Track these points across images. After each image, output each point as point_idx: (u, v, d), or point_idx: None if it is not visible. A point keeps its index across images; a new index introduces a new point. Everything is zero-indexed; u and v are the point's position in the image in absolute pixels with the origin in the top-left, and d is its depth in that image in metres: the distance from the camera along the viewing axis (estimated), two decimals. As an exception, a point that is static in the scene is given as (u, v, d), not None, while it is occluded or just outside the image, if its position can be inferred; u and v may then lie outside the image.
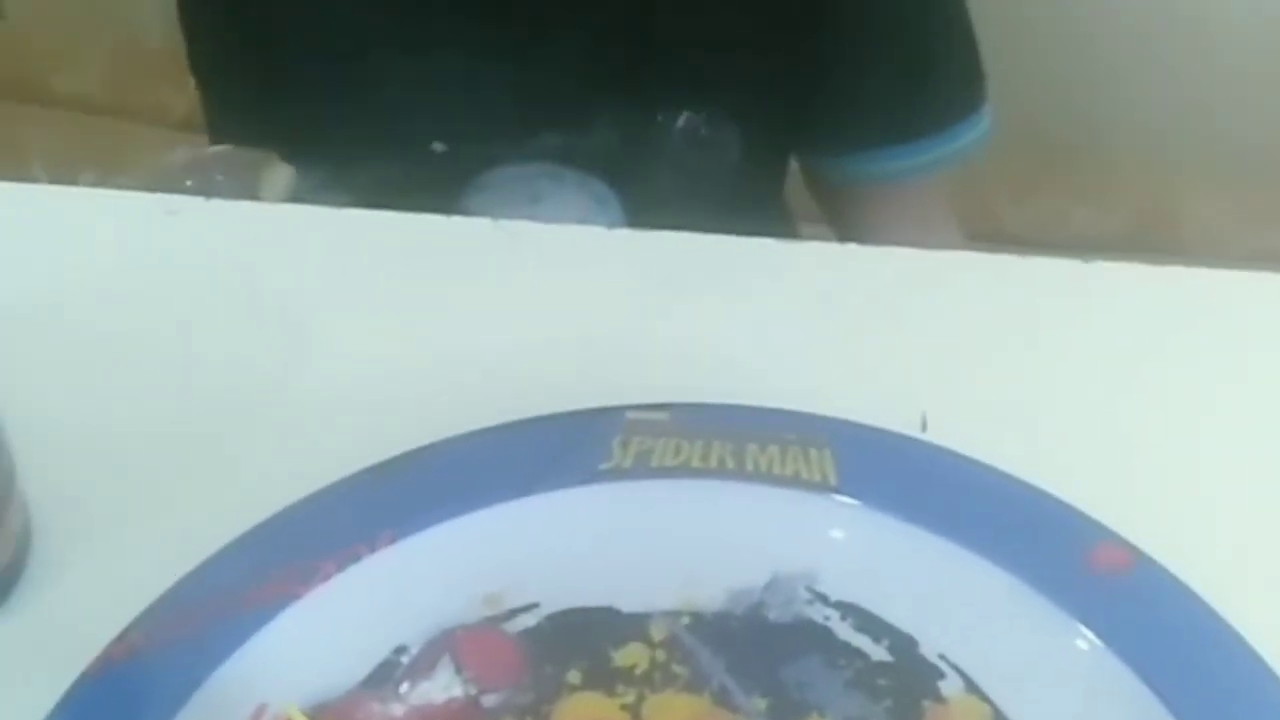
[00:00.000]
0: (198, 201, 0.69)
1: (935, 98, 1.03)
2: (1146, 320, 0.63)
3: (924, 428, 0.57)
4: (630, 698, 0.49)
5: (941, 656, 0.50)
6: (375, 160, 0.99)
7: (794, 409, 0.56)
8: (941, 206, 1.09)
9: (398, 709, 0.49)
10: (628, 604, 0.51)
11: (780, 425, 0.55)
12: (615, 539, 0.52)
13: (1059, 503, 0.52)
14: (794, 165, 1.11)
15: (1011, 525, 0.52)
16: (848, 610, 0.51)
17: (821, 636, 0.50)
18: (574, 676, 0.49)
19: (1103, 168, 1.45)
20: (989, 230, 1.33)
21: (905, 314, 0.64)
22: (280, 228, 0.69)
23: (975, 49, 1.03)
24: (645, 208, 1.00)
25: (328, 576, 0.51)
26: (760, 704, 0.49)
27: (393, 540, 0.52)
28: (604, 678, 0.49)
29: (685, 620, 0.51)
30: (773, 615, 0.51)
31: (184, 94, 1.24)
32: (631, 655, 0.50)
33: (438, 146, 0.99)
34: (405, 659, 0.50)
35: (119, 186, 0.71)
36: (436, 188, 0.99)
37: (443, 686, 0.49)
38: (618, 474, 0.54)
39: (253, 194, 0.85)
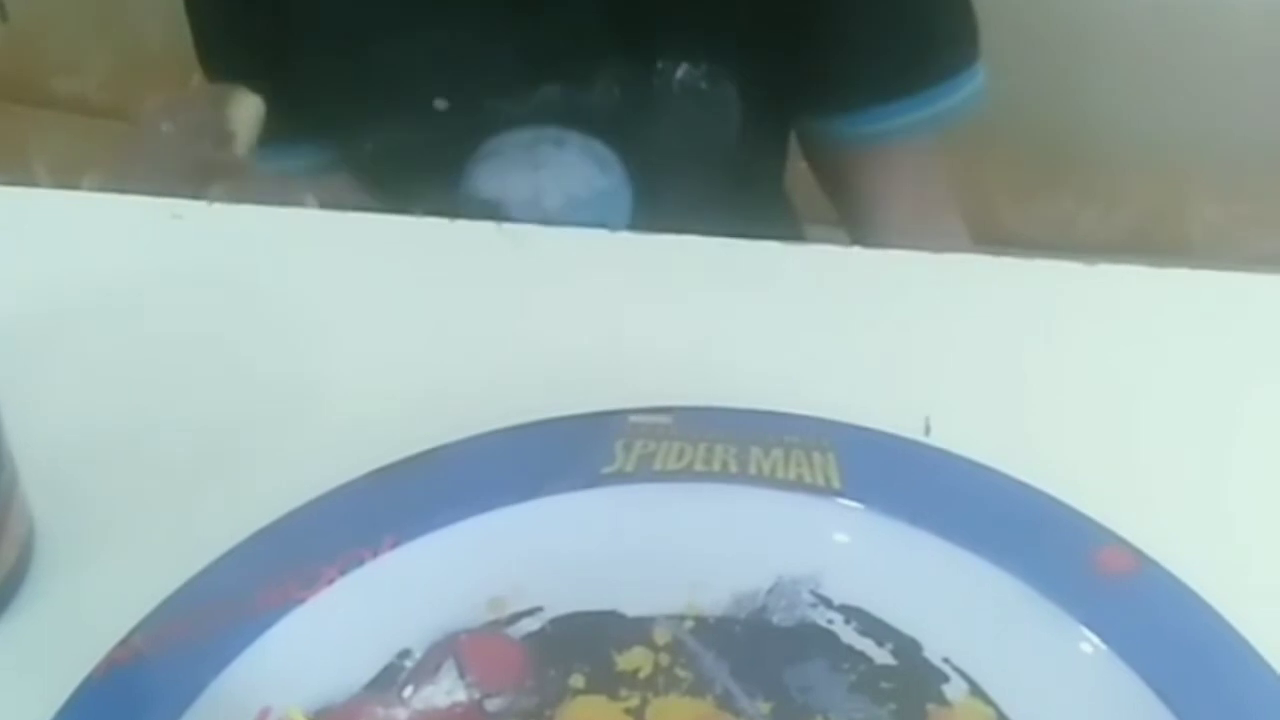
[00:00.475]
0: (201, 206, 0.69)
1: (930, 52, 1.03)
2: (1151, 323, 0.63)
3: (927, 431, 0.56)
4: (634, 701, 0.49)
5: (945, 660, 0.49)
6: (380, 125, 1.00)
7: (797, 412, 0.56)
8: (940, 181, 1.09)
9: (401, 713, 0.49)
10: (631, 608, 0.51)
11: (784, 429, 0.55)
12: (618, 543, 0.52)
13: (1063, 506, 0.52)
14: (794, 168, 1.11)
15: (1016, 529, 0.52)
16: (851, 614, 0.51)
17: (825, 640, 0.50)
18: (577, 680, 0.49)
19: (1108, 171, 1.45)
20: (994, 233, 1.33)
21: (909, 317, 0.64)
22: (284, 232, 0.69)
23: (969, 3, 1.03)
24: (647, 169, 1.00)
25: (331, 581, 0.51)
26: (764, 708, 0.48)
27: (396, 545, 0.52)
28: (607, 681, 0.49)
29: (689, 624, 0.51)
30: (776, 619, 0.51)
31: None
32: (635, 659, 0.50)
33: (440, 104, 0.99)
34: (409, 663, 0.50)
35: (122, 189, 0.71)
36: (441, 151, 0.99)
37: (446, 691, 0.49)
38: (621, 477, 0.54)
39: (224, 126, 0.85)
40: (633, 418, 0.56)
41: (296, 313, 0.64)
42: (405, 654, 0.50)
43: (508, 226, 0.68)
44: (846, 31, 1.00)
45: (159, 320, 0.64)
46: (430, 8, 0.98)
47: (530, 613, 0.51)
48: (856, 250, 0.68)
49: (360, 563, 0.51)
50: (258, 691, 0.48)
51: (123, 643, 0.48)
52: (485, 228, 0.68)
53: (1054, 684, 0.48)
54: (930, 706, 0.48)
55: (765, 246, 0.67)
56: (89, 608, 0.51)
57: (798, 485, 0.53)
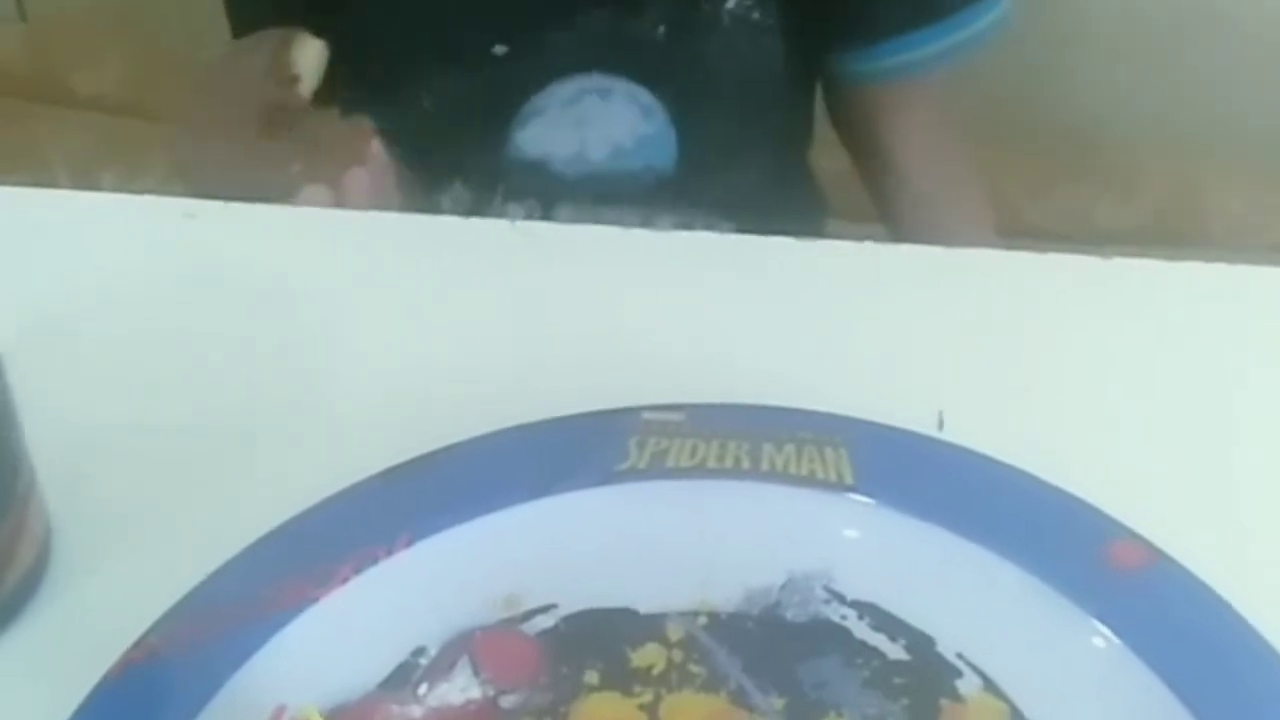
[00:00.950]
0: (216, 205, 0.69)
1: None
2: (1165, 316, 0.63)
3: (940, 426, 0.57)
4: (648, 698, 0.49)
5: (959, 655, 0.49)
6: (434, 74, 0.99)
7: (809, 408, 0.56)
8: (950, 128, 1.10)
9: (416, 711, 0.49)
10: (645, 604, 0.51)
11: (796, 425, 0.55)
12: (632, 540, 0.53)
13: (1076, 500, 0.52)
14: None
15: (1029, 523, 0.52)
16: (865, 609, 0.51)
17: (839, 636, 0.50)
18: (591, 677, 0.49)
19: (1126, 160, 1.44)
20: (1010, 224, 1.33)
21: (921, 312, 0.64)
22: (297, 231, 0.69)
23: None
24: (690, 110, 1.01)
25: (346, 579, 0.51)
26: (777, 703, 0.49)
27: (410, 543, 0.52)
28: (621, 678, 0.49)
29: (702, 620, 0.51)
30: (790, 615, 0.51)
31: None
32: (649, 655, 0.50)
33: (499, 49, 0.99)
34: (423, 661, 0.50)
35: (138, 189, 0.71)
36: (493, 101, 1.00)
37: (461, 688, 0.49)
38: (634, 474, 0.54)
39: (288, 69, 0.85)
40: (646, 415, 0.56)
41: (310, 311, 0.64)
42: (420, 651, 0.50)
43: (521, 224, 0.68)
44: None
45: (174, 319, 0.64)
46: None
47: (544, 610, 0.51)
48: (869, 245, 0.68)
49: (375, 561, 0.51)
50: (273, 690, 0.48)
51: (139, 642, 0.49)
52: (499, 225, 0.68)
53: (1067, 679, 0.48)
54: (944, 702, 0.48)
55: (778, 242, 0.67)
56: (106, 607, 0.52)
57: (810, 481, 0.53)
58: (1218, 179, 1.43)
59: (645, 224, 0.98)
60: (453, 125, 1.02)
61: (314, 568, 0.51)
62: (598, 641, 0.50)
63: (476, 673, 0.50)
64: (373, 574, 0.51)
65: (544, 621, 0.51)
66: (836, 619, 0.51)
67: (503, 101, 1.01)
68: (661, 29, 1.00)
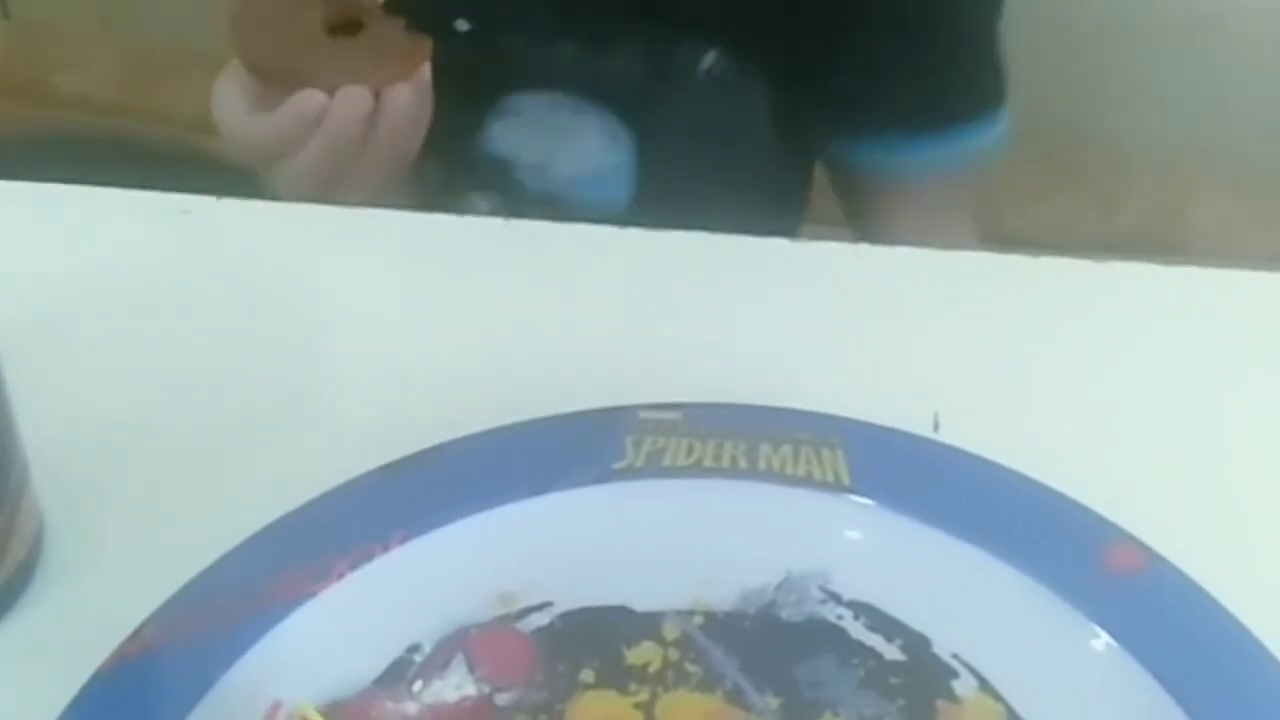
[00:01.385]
0: (210, 201, 0.69)
1: (957, 92, 1.03)
2: (1160, 321, 0.63)
3: (936, 428, 0.57)
4: (643, 696, 0.49)
5: (955, 656, 0.50)
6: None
7: (806, 409, 0.56)
8: (959, 223, 1.09)
9: (411, 707, 0.49)
10: (640, 603, 0.51)
11: (792, 425, 0.55)
12: (628, 538, 0.53)
13: (1072, 503, 0.52)
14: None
15: (1025, 525, 0.52)
16: (861, 610, 0.51)
17: (835, 636, 0.50)
18: (587, 675, 0.49)
19: (1110, 170, 1.45)
20: (996, 233, 1.33)
21: (917, 314, 0.64)
22: (292, 226, 0.69)
23: (1000, 45, 1.03)
24: (657, 152, 1.00)
25: (341, 575, 0.51)
26: (773, 703, 0.49)
27: (405, 539, 0.52)
28: (617, 676, 0.49)
29: (698, 619, 0.51)
30: (785, 614, 0.51)
31: (189, 94, 1.24)
32: (644, 654, 0.50)
33: (461, 24, 0.98)
34: (419, 657, 0.50)
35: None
36: (459, 91, 0.98)
37: (456, 685, 0.49)
38: (631, 473, 0.54)
39: None
40: (642, 414, 0.56)
41: (305, 308, 0.64)
42: (415, 648, 0.50)
43: (516, 223, 0.68)
44: (877, 58, 0.99)
45: (168, 315, 0.64)
46: None
47: (540, 607, 0.51)
48: (864, 247, 0.69)
49: (370, 557, 0.51)
50: (268, 685, 0.48)
51: (133, 636, 0.48)
52: (495, 224, 0.68)
53: (1063, 680, 0.48)
54: (940, 702, 0.48)
55: (773, 243, 0.67)
56: (98, 602, 0.51)
57: (807, 481, 0.53)
58: (1201, 191, 1.44)
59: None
60: (437, 80, 1.01)
61: (310, 563, 0.51)
62: (593, 639, 0.50)
63: (471, 670, 0.50)
64: (368, 570, 0.51)
65: (539, 619, 0.51)
66: (833, 619, 0.51)
67: (480, 90, 1.01)
68: (637, 68, 0.99)
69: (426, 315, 0.64)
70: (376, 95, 0.78)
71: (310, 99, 0.79)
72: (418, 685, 0.49)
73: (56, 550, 0.54)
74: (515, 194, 1.02)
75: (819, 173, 1.12)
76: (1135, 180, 1.45)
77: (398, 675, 0.49)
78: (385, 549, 0.51)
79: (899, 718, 0.48)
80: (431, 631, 0.50)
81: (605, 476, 0.54)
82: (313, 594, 0.50)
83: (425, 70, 0.80)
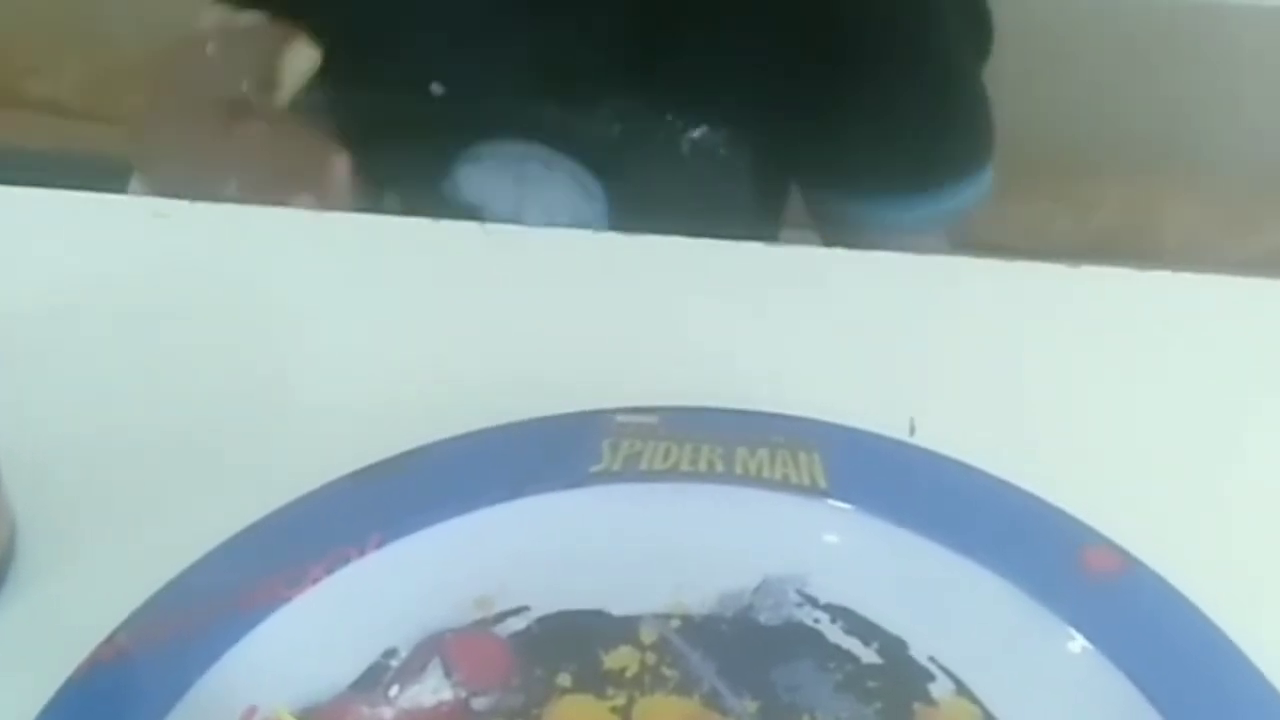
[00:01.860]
0: (184, 204, 0.68)
1: (947, 153, 1.02)
2: (1135, 324, 0.63)
3: (912, 431, 0.57)
4: (620, 700, 0.49)
5: (931, 659, 0.50)
6: (375, 93, 0.97)
7: (782, 412, 0.56)
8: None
9: (387, 712, 0.48)
10: (618, 607, 0.51)
11: (769, 429, 0.55)
12: (605, 542, 0.52)
13: (1048, 506, 0.53)
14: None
15: (1001, 528, 0.52)
16: (838, 613, 0.51)
17: (812, 639, 0.50)
18: (564, 679, 0.49)
19: (1083, 176, 1.45)
20: (968, 238, 1.33)
21: (893, 318, 0.64)
22: (268, 230, 0.69)
23: (988, 110, 1.02)
24: (631, 211, 0.99)
25: (317, 580, 0.50)
26: (751, 706, 0.48)
27: (381, 543, 0.52)
28: (594, 680, 0.49)
29: (675, 623, 0.51)
30: (763, 618, 0.51)
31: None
32: (622, 658, 0.50)
33: (436, 88, 0.98)
34: (395, 662, 0.50)
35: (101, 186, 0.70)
36: (429, 143, 0.98)
37: (432, 689, 0.49)
38: (608, 477, 0.54)
39: (271, 73, 0.81)
40: (619, 417, 0.56)
41: (280, 311, 0.64)
42: (391, 653, 0.50)
43: (492, 226, 0.68)
44: (864, 124, 0.99)
45: (141, 318, 0.63)
46: None
47: (516, 612, 0.51)
48: (839, 252, 0.69)
49: (346, 561, 0.51)
50: (243, 690, 0.47)
51: (107, 641, 0.48)
52: (470, 228, 0.68)
53: (1039, 683, 0.49)
54: (916, 705, 0.48)
55: (750, 247, 0.67)
56: (72, 606, 0.51)
57: (784, 485, 0.53)
58: (1172, 196, 1.45)
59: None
60: (403, 138, 1.00)
61: (286, 567, 0.50)
62: (570, 644, 0.50)
63: (448, 674, 0.49)
64: (344, 574, 0.51)
65: (516, 623, 0.51)
66: (810, 623, 0.51)
67: (439, 144, 1.00)
68: (617, 129, 0.98)
69: (403, 319, 0.64)
70: None
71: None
72: (394, 690, 0.49)
73: (29, 554, 0.53)
74: None
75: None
76: (1108, 185, 1.45)
77: (374, 680, 0.49)
78: (361, 553, 0.51)
79: (876, 721, 0.48)
80: (408, 636, 0.50)
81: (582, 480, 0.54)
82: (288, 598, 0.50)
83: (340, 170, 0.78)
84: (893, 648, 0.50)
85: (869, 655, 0.50)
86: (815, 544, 0.52)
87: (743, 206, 1.03)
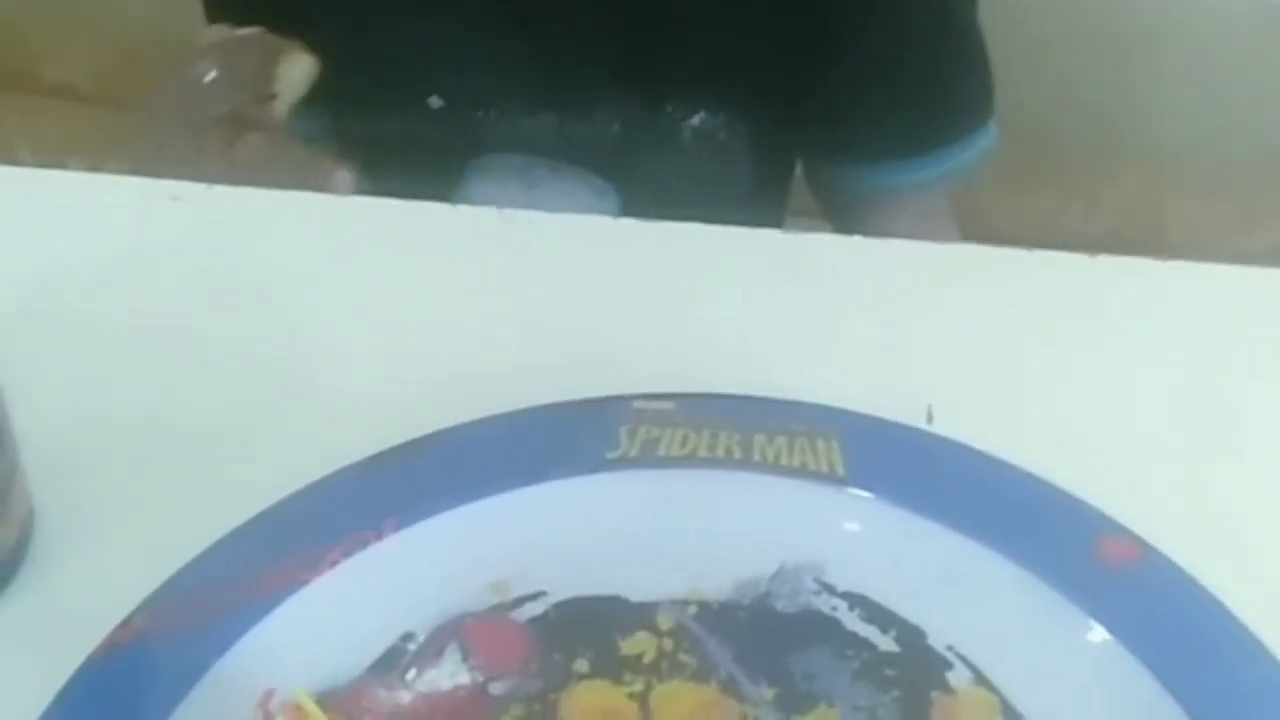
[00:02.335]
0: (200, 188, 0.68)
1: (947, 113, 1.02)
2: (1152, 313, 0.63)
3: (930, 419, 0.57)
4: (638, 686, 0.49)
5: (949, 648, 0.50)
6: (375, 111, 0.98)
7: (801, 400, 0.56)
8: (945, 218, 1.09)
9: (405, 696, 0.49)
10: (635, 593, 0.51)
11: (787, 416, 0.55)
12: (622, 528, 0.52)
13: (1067, 495, 0.53)
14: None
15: (1020, 517, 0.52)
16: (855, 601, 0.51)
17: (829, 627, 0.50)
18: (581, 665, 0.49)
19: (1092, 168, 1.45)
20: (978, 230, 1.33)
21: (911, 306, 0.64)
22: (284, 213, 0.68)
23: (987, 62, 1.02)
24: (642, 204, 0.99)
25: (334, 563, 0.50)
26: (768, 693, 0.48)
27: (399, 528, 0.52)
28: (611, 666, 0.49)
29: (692, 609, 0.51)
30: (780, 605, 0.51)
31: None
32: (639, 644, 0.50)
33: (435, 102, 0.98)
34: (412, 646, 0.50)
35: (115, 171, 0.70)
36: (433, 157, 0.98)
37: (450, 674, 0.49)
38: (625, 463, 0.54)
39: (268, 85, 0.81)
40: (637, 404, 0.56)
41: (298, 296, 0.64)
42: (409, 637, 0.50)
43: (509, 213, 0.68)
44: (864, 89, 0.99)
45: (158, 302, 0.63)
46: (441, 6, 0.97)
47: (534, 597, 0.51)
48: (859, 239, 0.68)
49: (364, 545, 0.51)
50: (261, 673, 0.48)
51: (124, 624, 0.48)
52: (488, 214, 0.68)
53: (1057, 671, 0.49)
54: (934, 694, 0.48)
55: (767, 234, 0.67)
56: (89, 589, 0.51)
57: (801, 472, 0.53)
58: (1181, 188, 1.44)
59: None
60: (406, 155, 1.00)
61: (303, 551, 0.50)
62: (588, 629, 0.50)
63: (465, 659, 0.49)
64: (362, 558, 0.51)
65: (534, 609, 0.51)
66: (827, 610, 0.51)
67: (443, 159, 1.00)
68: (616, 126, 0.99)
69: (419, 303, 0.64)
70: None
71: None
72: (411, 674, 0.49)
73: (47, 536, 0.53)
74: None
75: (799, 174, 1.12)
76: (1117, 177, 1.45)
77: (391, 664, 0.49)
78: (378, 537, 0.51)
79: (893, 709, 0.48)
80: (425, 620, 0.50)
81: (600, 466, 0.54)
82: (305, 582, 0.50)
83: (339, 177, 0.78)
84: (911, 636, 0.50)
85: (887, 643, 0.50)
86: (833, 531, 0.52)
87: (750, 188, 1.03)
